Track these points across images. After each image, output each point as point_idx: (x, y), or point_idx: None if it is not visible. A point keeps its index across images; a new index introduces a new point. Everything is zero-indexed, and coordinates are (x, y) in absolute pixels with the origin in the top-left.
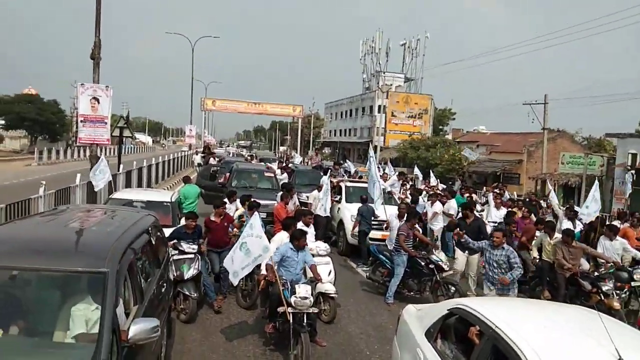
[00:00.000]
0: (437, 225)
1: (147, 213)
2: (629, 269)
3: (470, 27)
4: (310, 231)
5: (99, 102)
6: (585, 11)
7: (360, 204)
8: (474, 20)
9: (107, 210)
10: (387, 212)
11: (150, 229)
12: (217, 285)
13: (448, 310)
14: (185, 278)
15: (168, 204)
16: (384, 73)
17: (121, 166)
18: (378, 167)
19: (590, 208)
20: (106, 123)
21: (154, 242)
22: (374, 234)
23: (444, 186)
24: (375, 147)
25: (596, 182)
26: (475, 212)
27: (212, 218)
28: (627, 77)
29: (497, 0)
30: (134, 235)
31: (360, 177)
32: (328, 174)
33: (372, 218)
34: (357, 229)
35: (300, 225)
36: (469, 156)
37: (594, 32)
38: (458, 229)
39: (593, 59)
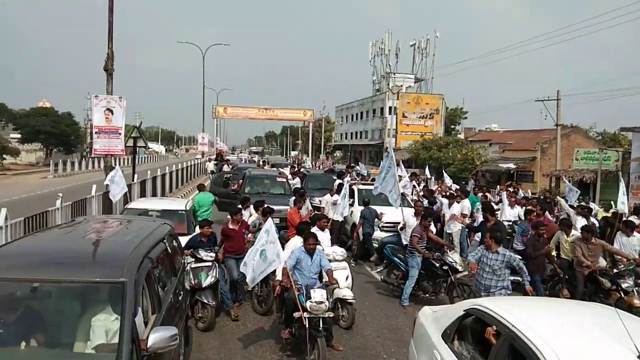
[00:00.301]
0: (455, 228)
1: (163, 222)
2: None
3: (480, 24)
4: (326, 236)
5: (112, 113)
6: (596, 5)
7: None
8: (484, 18)
9: (123, 221)
10: (403, 213)
11: (166, 237)
12: (233, 294)
13: (464, 311)
14: (204, 286)
15: (183, 212)
16: (394, 74)
17: (136, 176)
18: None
19: (625, 202)
20: (120, 134)
21: (170, 251)
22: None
23: (457, 186)
24: (387, 149)
25: (621, 178)
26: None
27: (231, 226)
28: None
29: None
30: (151, 245)
31: (373, 179)
32: (347, 178)
33: (385, 221)
34: (361, 230)
35: (315, 229)
36: (505, 166)
37: (604, 27)
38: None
39: (605, 53)
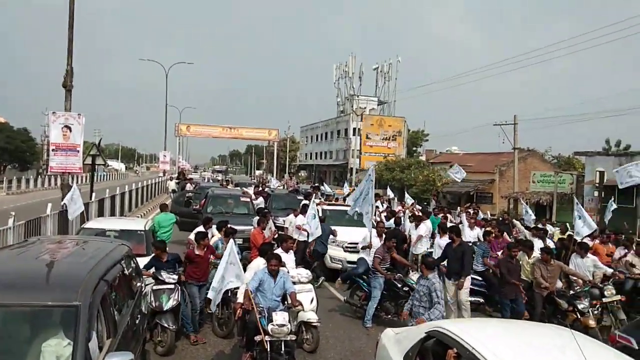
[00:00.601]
0: (421, 249)
1: (120, 243)
2: (600, 285)
3: (441, 50)
4: (290, 257)
5: (70, 130)
6: (551, 34)
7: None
8: (444, 44)
9: (79, 241)
10: (370, 234)
11: (123, 259)
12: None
13: (426, 333)
14: (165, 309)
15: (142, 232)
16: (357, 96)
17: (93, 195)
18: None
19: (591, 224)
20: (78, 151)
21: (127, 273)
22: (350, 257)
23: (419, 207)
24: (351, 170)
25: (575, 200)
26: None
27: (197, 252)
28: (592, 97)
29: (466, 27)
30: (107, 267)
31: (337, 199)
32: (313, 198)
33: (349, 241)
34: (312, 247)
35: (279, 251)
36: (454, 176)
37: (559, 55)
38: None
39: (560, 80)
